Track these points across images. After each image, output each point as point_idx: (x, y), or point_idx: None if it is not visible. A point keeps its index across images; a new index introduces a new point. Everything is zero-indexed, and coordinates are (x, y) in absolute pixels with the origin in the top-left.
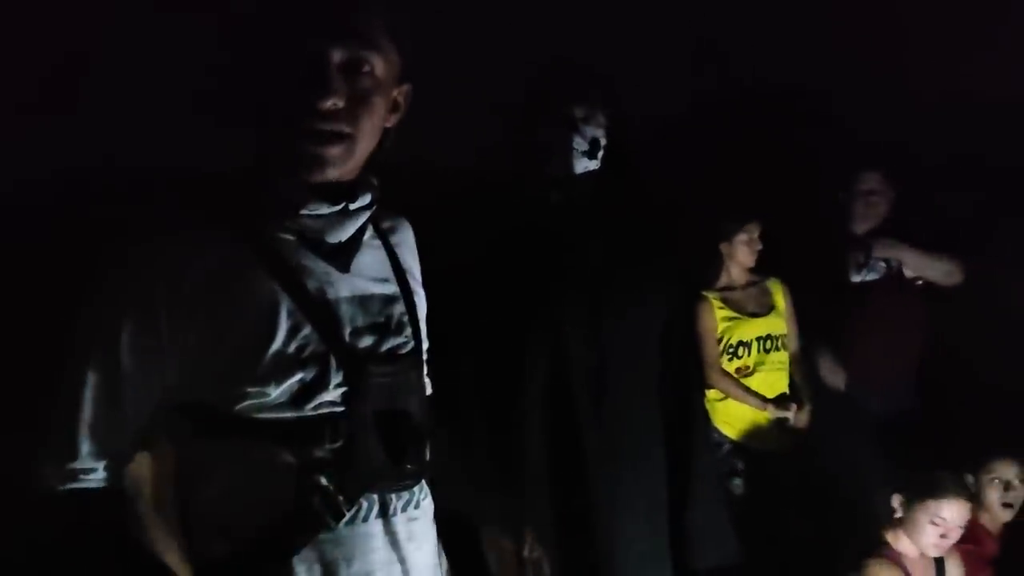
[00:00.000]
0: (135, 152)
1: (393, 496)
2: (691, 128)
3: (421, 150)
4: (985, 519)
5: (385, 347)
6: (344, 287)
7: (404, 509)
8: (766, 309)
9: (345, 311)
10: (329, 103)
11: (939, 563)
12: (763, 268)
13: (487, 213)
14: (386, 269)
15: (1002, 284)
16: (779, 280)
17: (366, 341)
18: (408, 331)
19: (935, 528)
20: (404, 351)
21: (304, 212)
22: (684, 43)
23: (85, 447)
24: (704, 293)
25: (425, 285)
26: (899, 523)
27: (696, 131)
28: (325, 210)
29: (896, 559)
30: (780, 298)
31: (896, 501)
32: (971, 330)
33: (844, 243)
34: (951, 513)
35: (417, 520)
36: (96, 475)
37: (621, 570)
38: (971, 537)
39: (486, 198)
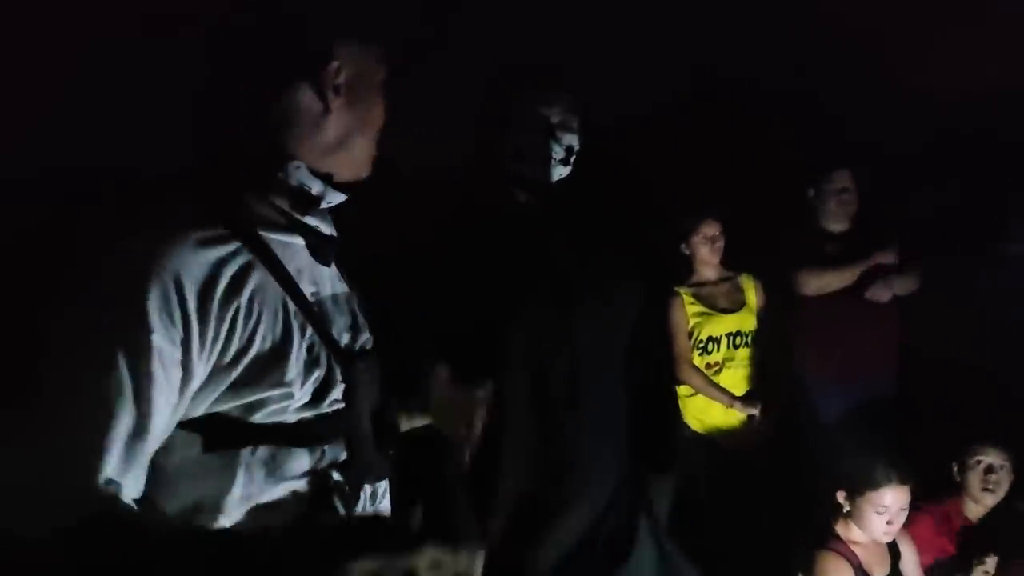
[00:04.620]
0: (123, 152)
1: (380, 485)
2: (662, 126)
3: (389, 149)
4: (967, 509)
5: (359, 343)
6: (328, 285)
7: (384, 497)
8: (737, 305)
9: (330, 308)
10: None
11: (892, 546)
12: (736, 264)
13: (453, 213)
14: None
15: (975, 274)
16: (752, 276)
17: (347, 338)
18: (368, 327)
19: (880, 516)
20: (370, 346)
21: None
22: (654, 41)
23: (114, 462)
24: (676, 288)
25: (395, 287)
26: (848, 515)
27: (667, 129)
28: (337, 200)
29: (844, 549)
30: (752, 294)
31: (840, 496)
32: (952, 321)
33: (813, 240)
34: (891, 500)
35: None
36: (121, 490)
37: (596, 556)
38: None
39: (453, 198)
